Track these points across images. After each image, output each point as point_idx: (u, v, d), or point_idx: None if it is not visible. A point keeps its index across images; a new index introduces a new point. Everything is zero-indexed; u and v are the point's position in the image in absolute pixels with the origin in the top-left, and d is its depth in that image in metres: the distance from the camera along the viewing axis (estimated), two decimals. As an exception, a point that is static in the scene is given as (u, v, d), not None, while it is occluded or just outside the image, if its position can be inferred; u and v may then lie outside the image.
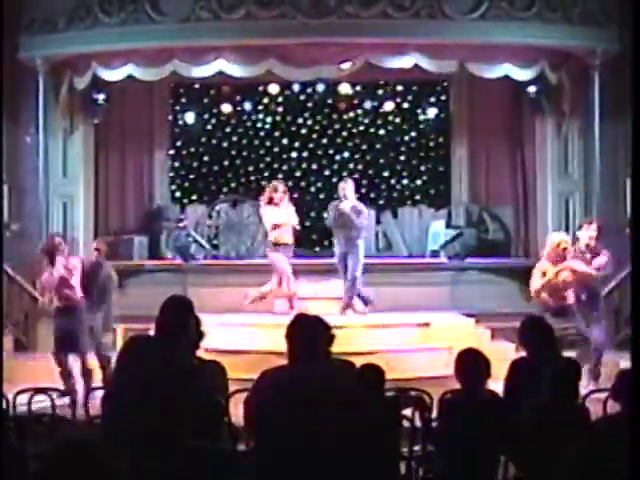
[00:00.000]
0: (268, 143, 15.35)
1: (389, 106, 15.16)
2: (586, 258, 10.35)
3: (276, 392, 5.25)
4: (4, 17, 12.08)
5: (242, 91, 15.03)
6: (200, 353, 5.68)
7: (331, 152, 15.38)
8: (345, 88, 14.83)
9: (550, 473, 5.35)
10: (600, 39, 12.32)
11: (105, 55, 12.45)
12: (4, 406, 6.95)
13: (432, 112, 15.11)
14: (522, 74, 12.56)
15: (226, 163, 15.34)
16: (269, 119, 15.33)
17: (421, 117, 15.20)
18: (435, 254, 13.78)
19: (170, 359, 5.09)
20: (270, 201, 11.85)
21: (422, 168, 15.21)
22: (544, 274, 10.07)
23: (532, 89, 13.16)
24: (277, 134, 15.37)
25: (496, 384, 6.46)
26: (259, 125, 15.35)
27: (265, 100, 15.23)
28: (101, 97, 13.33)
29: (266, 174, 15.27)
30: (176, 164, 15.21)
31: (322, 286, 12.42)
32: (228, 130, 15.33)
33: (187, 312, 5.36)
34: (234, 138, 15.34)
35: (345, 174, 15.22)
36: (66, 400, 8.60)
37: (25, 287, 12.55)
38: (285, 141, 15.38)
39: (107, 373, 10.07)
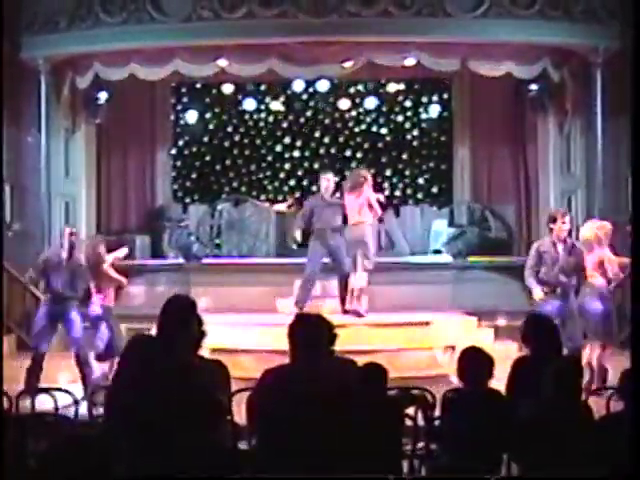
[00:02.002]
0: (270, 142, 15.36)
1: (391, 104, 15.15)
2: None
3: (278, 391, 5.24)
4: (5, 17, 12.08)
5: (243, 90, 15.05)
6: (202, 352, 5.68)
7: (333, 151, 15.38)
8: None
9: (553, 471, 5.34)
10: (602, 37, 12.30)
11: (107, 55, 12.45)
12: (6, 406, 6.95)
13: (434, 110, 15.11)
14: (524, 72, 12.56)
15: (228, 162, 15.35)
16: (271, 118, 15.33)
17: (423, 115, 15.20)
18: (437, 253, 13.77)
19: (172, 358, 5.08)
20: None
21: (424, 167, 15.21)
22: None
23: (534, 87, 13.17)
24: (279, 133, 15.37)
25: (499, 383, 6.45)
26: (261, 124, 15.35)
27: (267, 99, 15.23)
28: (103, 97, 13.35)
29: (268, 173, 15.30)
30: (178, 163, 15.22)
31: (323, 285, 12.41)
32: (230, 129, 15.33)
33: (189, 311, 5.36)
34: (236, 137, 15.34)
35: (347, 173, 15.23)
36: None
37: (27, 286, 12.54)
38: (287, 140, 15.38)
39: None
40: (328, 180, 11.64)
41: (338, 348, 5.53)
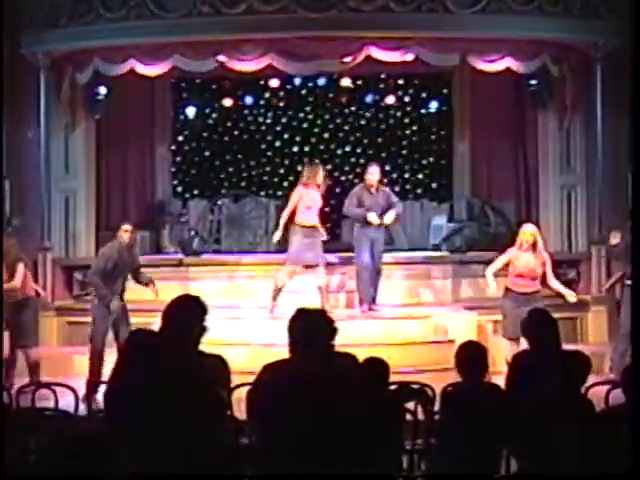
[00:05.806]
0: (269, 137, 15.36)
1: (391, 100, 15.16)
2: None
3: (278, 385, 5.25)
4: (5, 13, 12.07)
5: (243, 85, 15.03)
6: (202, 347, 5.68)
7: (333, 146, 15.38)
8: (346, 82, 14.84)
9: (552, 466, 5.35)
10: (601, 32, 12.30)
11: (106, 50, 12.45)
12: (6, 401, 6.96)
13: (434, 106, 15.11)
14: (523, 67, 12.55)
15: (228, 158, 15.35)
16: (270, 113, 15.33)
17: (423, 111, 15.20)
18: (437, 248, 13.77)
19: (172, 353, 5.09)
20: None
21: (424, 162, 15.22)
22: None
23: (534, 82, 13.16)
24: (278, 128, 15.37)
25: (498, 378, 6.47)
26: (260, 119, 15.35)
27: (266, 94, 15.23)
28: (102, 92, 13.33)
29: (268, 168, 15.30)
30: (178, 159, 15.23)
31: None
32: (229, 124, 15.33)
33: (193, 308, 5.37)
34: (235, 132, 15.34)
35: (347, 168, 15.24)
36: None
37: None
38: (286, 135, 15.38)
39: None
40: (372, 173, 11.72)
41: (337, 342, 5.54)
